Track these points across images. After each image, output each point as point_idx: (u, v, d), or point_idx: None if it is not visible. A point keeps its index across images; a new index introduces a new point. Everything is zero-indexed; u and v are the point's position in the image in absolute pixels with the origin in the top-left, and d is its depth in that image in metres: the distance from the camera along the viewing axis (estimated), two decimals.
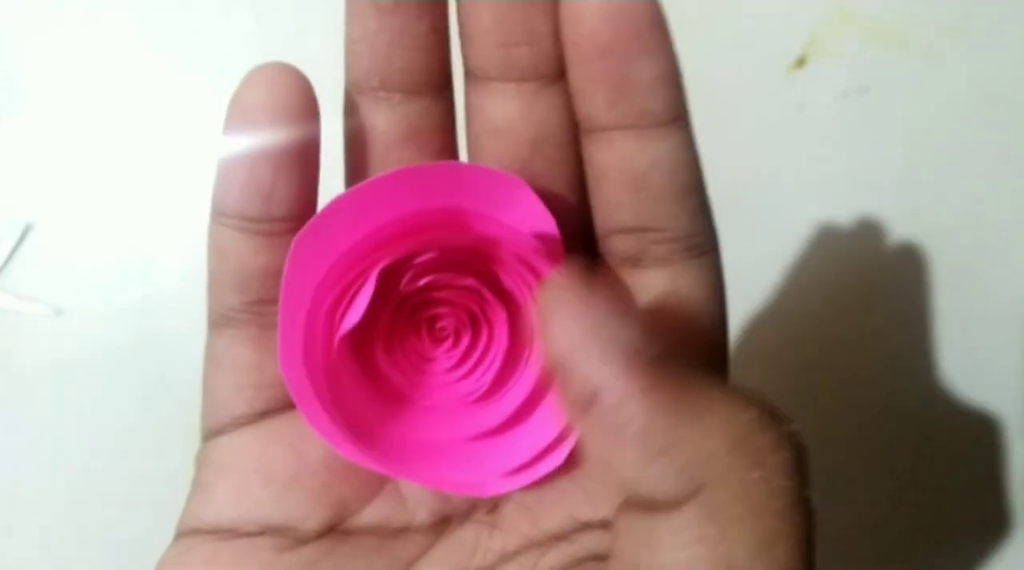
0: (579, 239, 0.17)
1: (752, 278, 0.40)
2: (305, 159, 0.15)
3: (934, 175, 0.40)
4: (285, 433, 0.17)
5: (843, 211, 0.40)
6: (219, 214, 0.16)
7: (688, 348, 0.16)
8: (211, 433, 0.17)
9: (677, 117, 0.15)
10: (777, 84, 0.40)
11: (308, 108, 0.15)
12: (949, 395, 0.40)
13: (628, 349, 0.13)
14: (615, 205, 0.16)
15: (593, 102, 0.15)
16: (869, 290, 0.40)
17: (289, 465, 0.17)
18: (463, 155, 0.17)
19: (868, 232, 0.40)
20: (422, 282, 0.16)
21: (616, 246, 0.16)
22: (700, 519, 0.12)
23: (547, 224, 0.16)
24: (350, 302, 0.16)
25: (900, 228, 0.40)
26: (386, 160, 0.17)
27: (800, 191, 0.40)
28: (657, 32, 0.15)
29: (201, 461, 0.17)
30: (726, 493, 0.12)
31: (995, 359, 0.40)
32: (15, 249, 0.38)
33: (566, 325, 0.13)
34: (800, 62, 0.40)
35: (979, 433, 0.40)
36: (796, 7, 0.41)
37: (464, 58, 0.16)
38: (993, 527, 0.40)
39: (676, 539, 0.12)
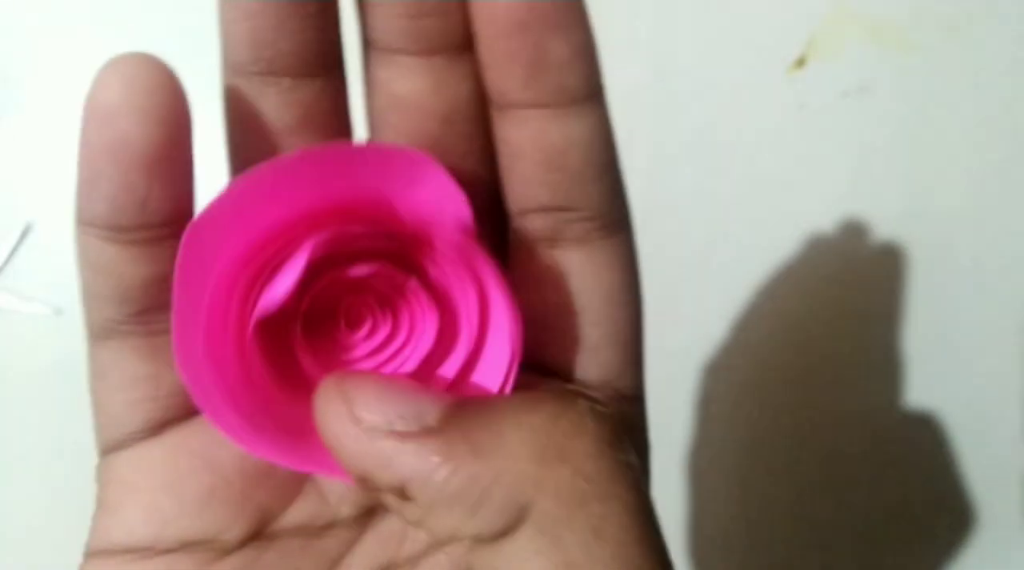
0: (491, 216, 0.16)
1: (752, 278, 0.40)
2: (179, 159, 0.14)
3: (934, 175, 0.40)
4: (192, 443, 0.16)
5: (843, 211, 0.40)
6: (87, 225, 0.14)
7: (606, 327, 0.16)
8: (109, 448, 0.16)
9: (594, 94, 0.15)
10: (777, 84, 0.40)
11: (175, 101, 0.14)
12: (949, 398, 0.40)
13: (411, 425, 0.13)
14: (531, 184, 0.15)
15: (508, 79, 0.14)
16: (869, 290, 0.40)
17: (201, 478, 0.16)
18: (360, 132, 0.17)
19: (868, 232, 0.40)
20: (342, 270, 0.15)
21: (531, 225, 0.16)
22: (532, 535, 0.13)
23: (459, 202, 0.15)
24: (264, 286, 0.15)
25: (900, 228, 0.40)
26: (278, 152, 0.15)
27: (800, 191, 0.40)
28: (573, 7, 0.14)
29: (103, 478, 0.16)
30: (547, 502, 0.13)
31: (996, 359, 0.40)
32: (15, 249, 0.38)
33: (345, 433, 0.13)
34: (800, 62, 0.40)
35: (976, 436, 0.40)
36: (796, 7, 0.41)
37: (363, 28, 0.15)
38: (997, 530, 0.40)
39: (519, 560, 0.13)
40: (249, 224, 0.14)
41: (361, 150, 0.15)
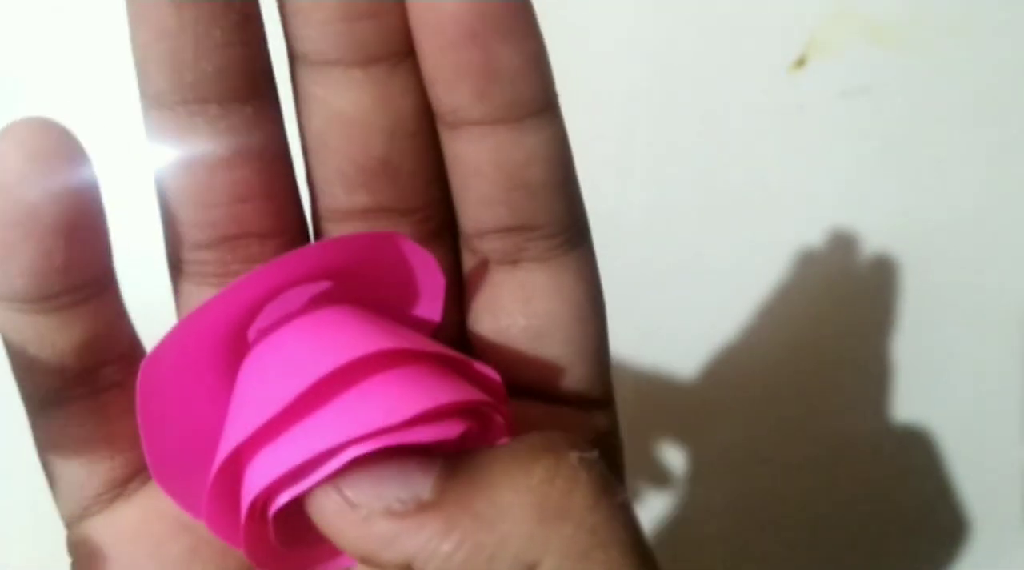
0: (444, 237, 0.16)
1: (752, 279, 0.40)
2: (91, 219, 0.13)
3: (934, 175, 0.40)
4: (165, 503, 0.15)
5: (843, 211, 0.40)
6: (7, 302, 0.13)
7: (577, 344, 0.16)
8: (75, 518, 0.15)
9: (549, 104, 0.14)
10: (777, 84, 0.40)
11: (77, 162, 0.13)
12: (948, 400, 0.40)
13: (408, 503, 0.13)
14: (490, 204, 0.14)
15: (458, 94, 0.13)
16: (868, 291, 0.40)
17: (181, 539, 0.15)
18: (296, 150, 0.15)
19: (868, 235, 0.40)
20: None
21: (491, 246, 0.15)
22: None
23: (432, 274, 0.14)
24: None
25: (900, 228, 0.40)
26: (212, 188, 0.14)
27: (800, 191, 0.40)
28: (523, 12, 0.13)
29: (76, 550, 0.15)
30: (553, 560, 0.13)
31: (995, 360, 0.40)
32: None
33: (342, 521, 0.13)
34: (800, 62, 0.40)
35: (976, 435, 0.40)
36: (796, 7, 0.41)
37: (291, 39, 0.14)
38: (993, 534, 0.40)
39: None
40: (208, 361, 0.14)
41: (328, 247, 0.13)
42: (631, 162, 0.40)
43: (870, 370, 0.40)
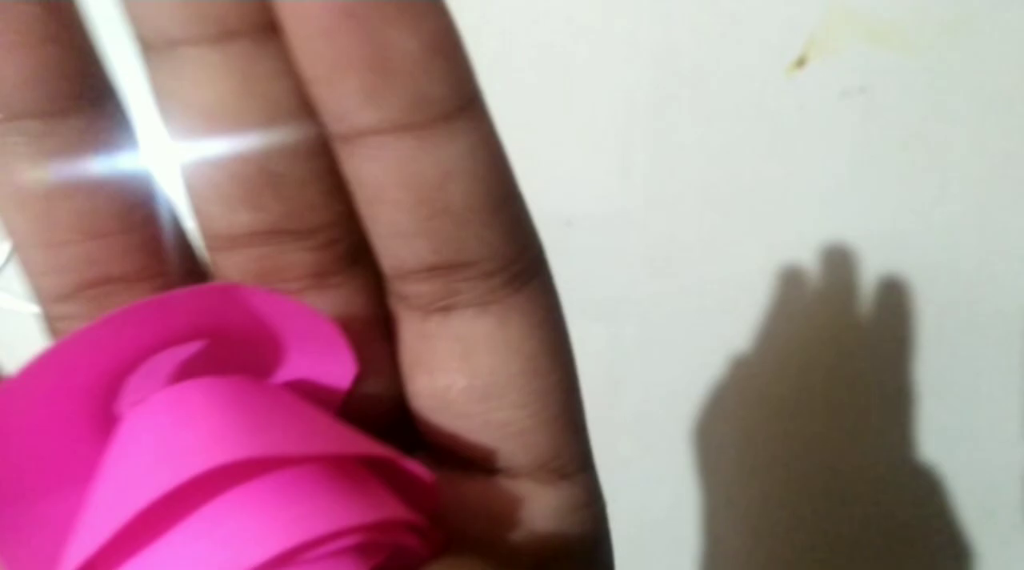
0: (364, 266, 0.12)
1: (751, 279, 0.40)
2: None
3: (934, 175, 0.40)
4: None
5: (842, 211, 0.40)
6: None
7: (532, 406, 0.13)
8: None
9: (467, 104, 0.10)
10: (777, 84, 0.40)
11: None
12: (947, 402, 0.40)
13: None
14: (404, 236, 0.11)
15: (342, 95, 0.10)
16: (868, 290, 0.40)
17: None
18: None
19: (867, 232, 0.40)
20: None
21: (415, 289, 0.12)
22: None
23: (321, 328, 0.11)
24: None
25: (899, 227, 0.40)
26: (54, 224, 0.11)
27: (799, 191, 0.40)
28: None
29: None
30: None
31: (996, 360, 0.40)
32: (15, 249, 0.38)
33: None
34: (800, 62, 0.40)
35: (975, 437, 0.40)
36: (796, 7, 0.41)
37: (134, 23, 0.11)
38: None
39: None
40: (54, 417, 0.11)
41: (174, 298, 0.11)
42: (631, 162, 0.40)
43: (871, 372, 0.40)
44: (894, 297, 0.40)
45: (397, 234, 0.11)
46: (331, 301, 0.12)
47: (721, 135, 0.40)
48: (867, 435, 0.40)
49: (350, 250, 0.12)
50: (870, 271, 0.40)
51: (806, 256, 0.40)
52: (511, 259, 0.12)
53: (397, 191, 0.11)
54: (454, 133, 0.10)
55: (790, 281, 0.40)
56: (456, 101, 0.10)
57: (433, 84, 0.10)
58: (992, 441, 0.40)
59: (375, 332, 0.12)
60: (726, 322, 0.40)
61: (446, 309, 0.12)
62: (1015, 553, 0.40)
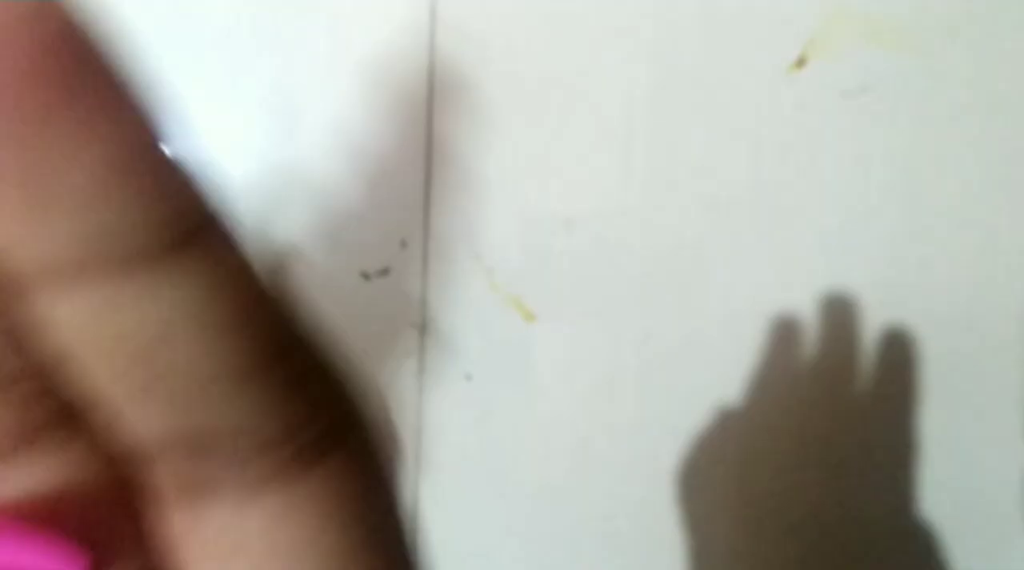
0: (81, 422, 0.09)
1: (751, 279, 0.40)
2: None
3: (934, 175, 0.40)
4: None
5: (842, 211, 0.40)
6: None
7: None
8: None
9: (184, 239, 0.08)
10: (777, 84, 0.40)
11: None
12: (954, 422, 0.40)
13: None
14: (126, 402, 0.08)
15: None
16: (867, 290, 0.40)
17: None
18: None
19: (866, 232, 0.40)
20: None
21: (159, 478, 0.09)
22: None
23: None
24: None
25: (899, 227, 0.40)
26: None
27: (799, 190, 0.40)
28: (87, 62, 0.07)
29: None
30: None
31: (997, 362, 0.40)
32: None
33: None
34: (800, 62, 0.40)
35: (975, 436, 0.40)
36: (796, 7, 0.41)
37: None
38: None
39: None
40: None
41: None
42: (631, 162, 0.40)
43: (871, 374, 0.40)
44: (892, 298, 0.40)
45: (118, 398, 0.08)
46: (50, 466, 0.09)
47: (721, 135, 0.40)
48: (867, 440, 0.40)
49: (67, 407, 0.09)
50: (869, 269, 0.40)
51: (805, 255, 0.40)
52: (290, 431, 0.08)
53: (85, 349, 0.08)
54: (168, 275, 0.08)
55: (789, 280, 0.40)
56: (164, 238, 0.07)
57: (113, 215, 0.07)
58: (993, 440, 0.40)
59: (122, 506, 0.09)
60: (726, 322, 0.40)
61: (193, 498, 0.09)
62: (1016, 552, 0.40)
